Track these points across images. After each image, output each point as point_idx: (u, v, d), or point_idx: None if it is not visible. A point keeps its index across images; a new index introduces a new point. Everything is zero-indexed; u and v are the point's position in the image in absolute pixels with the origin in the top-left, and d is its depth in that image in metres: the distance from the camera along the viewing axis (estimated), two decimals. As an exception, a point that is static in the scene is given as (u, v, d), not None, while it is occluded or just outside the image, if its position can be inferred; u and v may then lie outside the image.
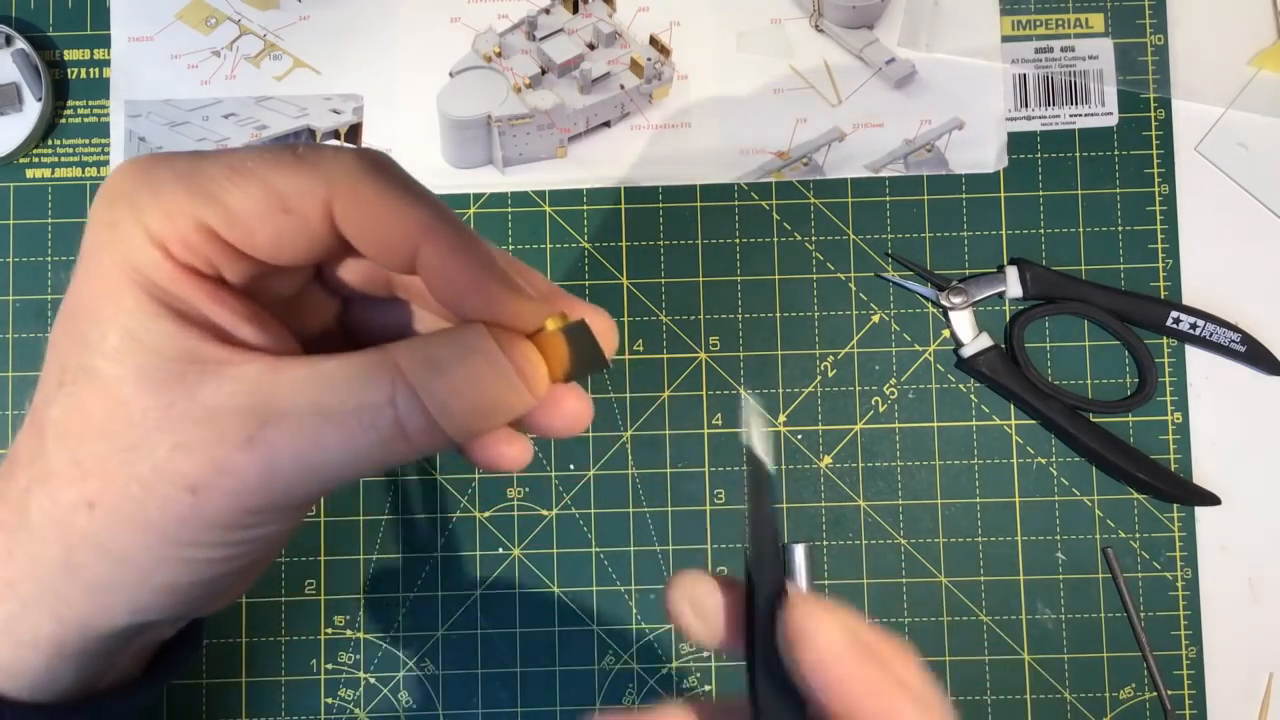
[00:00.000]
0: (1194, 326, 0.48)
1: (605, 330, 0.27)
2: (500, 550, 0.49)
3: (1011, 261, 0.49)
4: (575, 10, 0.51)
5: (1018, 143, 0.50)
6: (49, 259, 0.50)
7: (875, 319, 0.50)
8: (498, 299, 0.25)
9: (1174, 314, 0.48)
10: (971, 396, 0.49)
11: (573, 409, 0.27)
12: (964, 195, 0.50)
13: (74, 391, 0.23)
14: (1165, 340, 0.49)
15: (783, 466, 0.49)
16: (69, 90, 0.50)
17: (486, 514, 0.49)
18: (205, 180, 0.23)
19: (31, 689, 0.26)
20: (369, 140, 0.50)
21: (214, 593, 0.26)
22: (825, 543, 0.49)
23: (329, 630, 0.48)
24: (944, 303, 0.49)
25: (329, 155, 0.24)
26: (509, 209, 0.50)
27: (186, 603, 0.25)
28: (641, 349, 0.49)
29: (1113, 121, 0.50)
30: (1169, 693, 0.48)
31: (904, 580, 0.48)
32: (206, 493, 0.23)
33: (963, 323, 0.49)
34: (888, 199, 0.50)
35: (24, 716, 0.26)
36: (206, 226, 0.23)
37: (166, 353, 0.23)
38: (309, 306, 0.28)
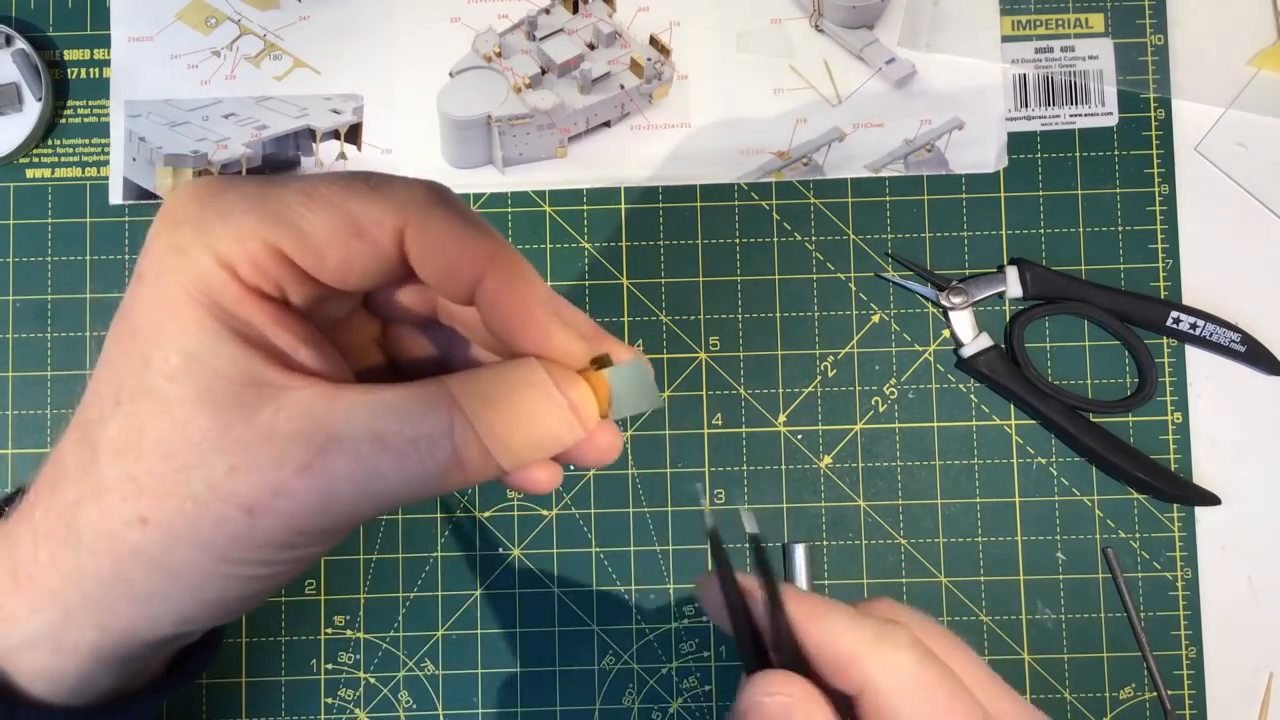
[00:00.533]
0: (1194, 326, 0.48)
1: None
2: (500, 550, 0.49)
3: (1011, 261, 0.49)
4: (575, 10, 0.51)
5: (1018, 143, 0.50)
6: (49, 259, 0.50)
7: (875, 319, 0.50)
8: (551, 334, 0.26)
9: (1174, 314, 0.48)
10: (971, 396, 0.49)
11: (606, 441, 0.28)
12: (964, 195, 0.50)
13: (133, 410, 0.24)
14: (1165, 340, 0.49)
15: (783, 467, 0.49)
16: (69, 90, 0.50)
17: (486, 514, 0.49)
18: (278, 204, 0.24)
19: (69, 694, 0.27)
20: (369, 140, 0.50)
21: (250, 604, 0.26)
22: (825, 543, 0.49)
23: (329, 630, 0.48)
24: (944, 303, 0.49)
25: (400, 184, 0.25)
26: (509, 209, 0.50)
27: (229, 613, 0.26)
28: (641, 349, 0.49)
29: (1113, 121, 0.50)
30: (1169, 693, 0.48)
31: (904, 580, 0.48)
32: (262, 514, 0.23)
33: (963, 323, 0.49)
34: (888, 199, 0.50)
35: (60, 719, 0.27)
36: (278, 249, 0.24)
37: (227, 375, 0.23)
38: (352, 328, 0.29)
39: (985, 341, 0.48)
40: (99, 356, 0.25)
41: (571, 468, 0.49)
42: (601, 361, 0.27)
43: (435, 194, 0.25)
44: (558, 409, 0.25)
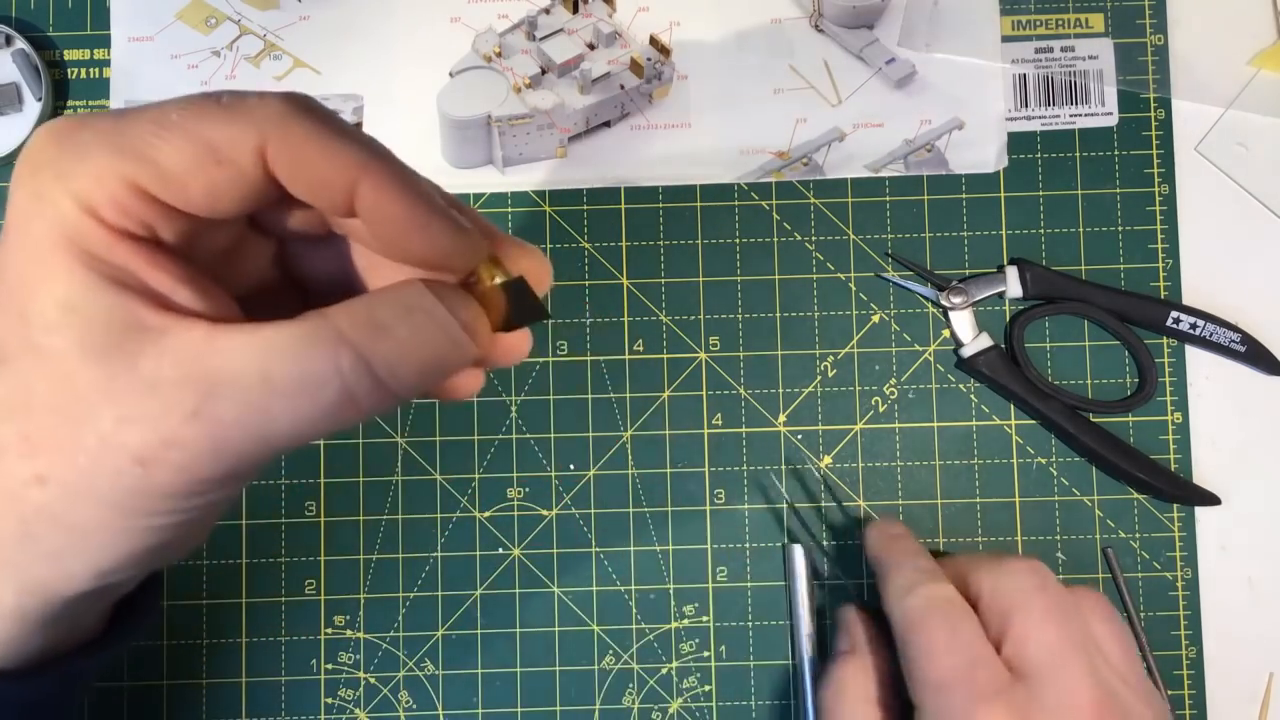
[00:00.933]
0: (1194, 326, 0.48)
1: (541, 273, 0.27)
2: (500, 550, 0.49)
3: (1011, 261, 0.49)
4: (575, 10, 0.51)
5: (1018, 143, 0.50)
6: (49, 259, 0.49)
7: (875, 319, 0.50)
8: (439, 236, 0.24)
9: (1174, 314, 0.48)
10: (971, 396, 0.49)
11: (509, 344, 0.27)
12: (964, 195, 0.50)
13: (18, 368, 0.23)
14: (1165, 340, 0.49)
15: (783, 467, 0.49)
16: (69, 90, 0.50)
17: (486, 514, 0.49)
18: (131, 139, 0.23)
19: (2, 657, 0.26)
20: (369, 140, 0.50)
21: (174, 551, 0.26)
22: (826, 543, 0.49)
23: (329, 630, 0.48)
24: (944, 303, 0.49)
25: (254, 100, 0.23)
26: (509, 209, 0.50)
27: (148, 564, 0.25)
28: (641, 349, 0.49)
29: (1113, 121, 0.50)
30: (1169, 693, 0.48)
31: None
32: (154, 465, 0.23)
33: (963, 323, 0.49)
34: (888, 199, 0.50)
35: None
36: (138, 186, 0.23)
37: (106, 322, 0.23)
38: (243, 253, 0.28)
39: (985, 341, 0.48)
40: None
41: (571, 466, 0.49)
42: (495, 264, 0.26)
43: (293, 105, 0.24)
44: (448, 333, 0.24)
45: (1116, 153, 0.50)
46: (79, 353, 0.22)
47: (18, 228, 0.23)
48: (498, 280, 0.25)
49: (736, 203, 0.50)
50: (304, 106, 0.24)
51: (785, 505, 0.49)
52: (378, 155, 0.24)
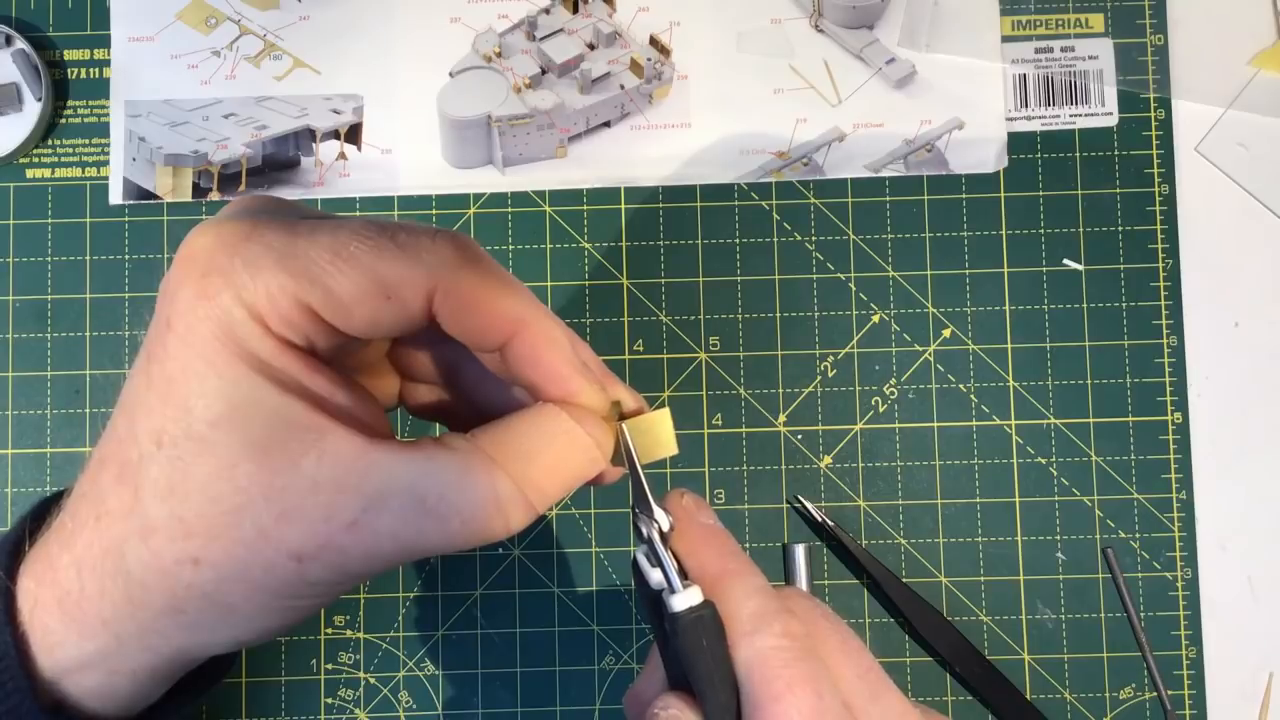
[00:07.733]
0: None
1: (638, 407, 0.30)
2: (500, 550, 0.49)
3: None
4: (575, 10, 0.51)
5: (1018, 143, 0.50)
6: (49, 259, 0.50)
7: (875, 319, 0.50)
8: (579, 391, 0.27)
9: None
10: (971, 397, 0.49)
11: (614, 472, 0.30)
12: (964, 195, 0.50)
13: (176, 454, 0.24)
14: (1165, 340, 0.49)
15: (783, 467, 0.49)
16: (69, 90, 0.50)
17: (486, 514, 0.49)
18: (307, 264, 0.24)
19: (121, 708, 0.28)
20: (369, 140, 0.50)
21: (302, 622, 0.28)
22: (825, 543, 0.49)
23: (329, 630, 0.48)
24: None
25: (428, 244, 0.25)
26: (509, 209, 0.50)
27: (282, 633, 0.28)
28: (641, 349, 0.49)
29: (1113, 121, 0.50)
30: (1169, 693, 0.48)
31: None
32: (310, 562, 0.24)
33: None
34: (888, 199, 0.50)
35: None
36: (308, 307, 0.24)
37: (270, 421, 0.24)
38: (368, 351, 0.31)
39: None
40: (124, 396, 0.25)
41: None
42: (615, 407, 0.29)
43: (463, 255, 0.26)
44: (585, 450, 0.27)
45: (1116, 153, 0.50)
46: (243, 447, 0.24)
47: (184, 324, 0.24)
48: (634, 415, 0.29)
49: (736, 203, 0.50)
50: (472, 256, 0.26)
51: (785, 505, 0.49)
52: (533, 308, 0.27)
